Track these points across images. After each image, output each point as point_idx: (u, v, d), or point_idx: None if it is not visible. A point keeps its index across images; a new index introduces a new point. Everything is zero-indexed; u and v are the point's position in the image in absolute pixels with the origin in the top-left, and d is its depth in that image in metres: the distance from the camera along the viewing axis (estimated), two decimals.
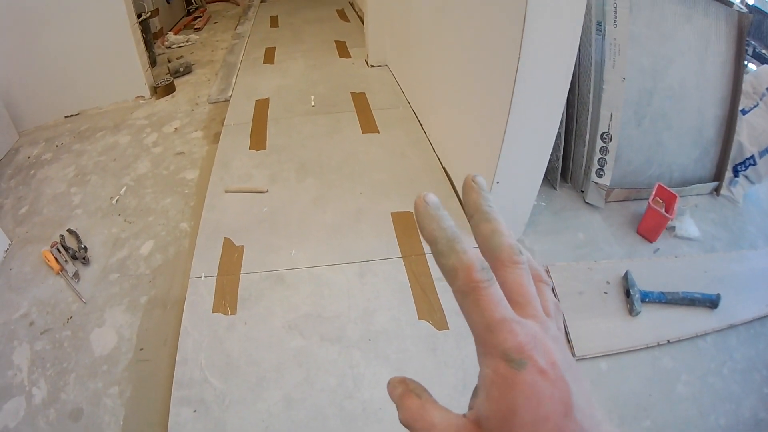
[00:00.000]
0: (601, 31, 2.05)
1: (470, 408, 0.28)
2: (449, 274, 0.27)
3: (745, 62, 2.42)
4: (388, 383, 0.31)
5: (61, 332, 1.82)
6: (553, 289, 1.51)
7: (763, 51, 3.37)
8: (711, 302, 1.79)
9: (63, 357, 1.73)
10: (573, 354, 1.66)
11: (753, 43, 3.32)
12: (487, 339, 0.26)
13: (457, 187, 2.38)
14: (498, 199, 1.91)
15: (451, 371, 1.61)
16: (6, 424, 1.54)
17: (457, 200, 2.33)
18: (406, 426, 0.29)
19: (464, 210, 0.31)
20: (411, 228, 2.17)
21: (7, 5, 2.80)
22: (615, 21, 2.00)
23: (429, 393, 0.30)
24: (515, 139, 1.72)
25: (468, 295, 0.26)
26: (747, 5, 3.11)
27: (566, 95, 1.69)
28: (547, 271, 1.94)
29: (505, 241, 0.29)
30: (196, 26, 5.14)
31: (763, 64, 2.97)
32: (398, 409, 0.29)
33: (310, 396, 1.55)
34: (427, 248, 2.04)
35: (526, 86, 1.59)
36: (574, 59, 1.58)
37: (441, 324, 1.75)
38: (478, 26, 1.88)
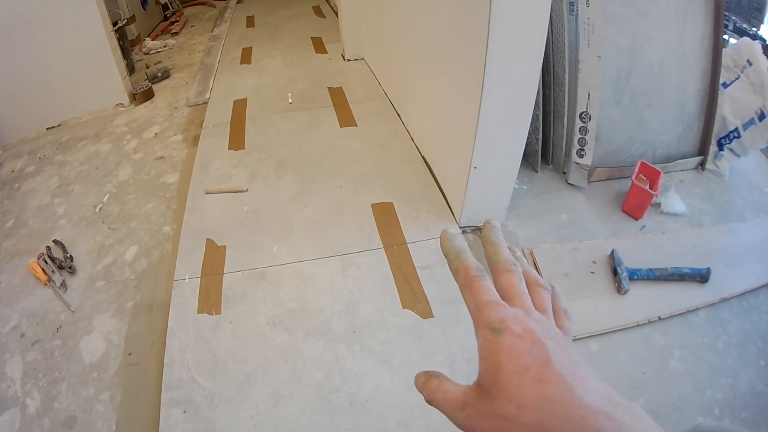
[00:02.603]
0: (573, 11, 2.03)
1: None
2: (455, 273, 0.38)
3: (726, 37, 2.41)
4: (415, 377, 0.39)
5: (51, 342, 1.82)
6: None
7: (744, 26, 3.36)
8: (701, 277, 1.78)
9: (54, 366, 1.73)
10: None
11: (733, 18, 3.31)
12: (477, 316, 0.34)
13: (436, 175, 2.38)
14: (477, 183, 1.91)
15: (438, 359, 1.61)
16: None
17: (438, 189, 2.33)
18: (430, 403, 0.37)
19: (482, 241, 0.42)
20: (391, 218, 2.17)
21: None
22: (588, 0, 1.99)
23: (445, 375, 0.37)
24: (489, 122, 1.71)
25: (465, 287, 0.36)
26: None
27: (539, 76, 1.68)
28: (535, 263, 1.94)
29: (502, 257, 0.39)
30: (173, 31, 5.11)
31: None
32: (423, 393, 0.37)
33: (297, 391, 1.55)
34: (408, 238, 2.06)
35: (496, 69, 1.57)
36: (545, 39, 1.57)
37: (425, 312, 1.75)
38: (448, 12, 1.87)
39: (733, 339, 1.66)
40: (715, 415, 1.47)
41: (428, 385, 0.37)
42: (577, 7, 2.02)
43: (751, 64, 2.35)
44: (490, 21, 1.46)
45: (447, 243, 0.40)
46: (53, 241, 2.25)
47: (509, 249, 0.41)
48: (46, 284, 2.03)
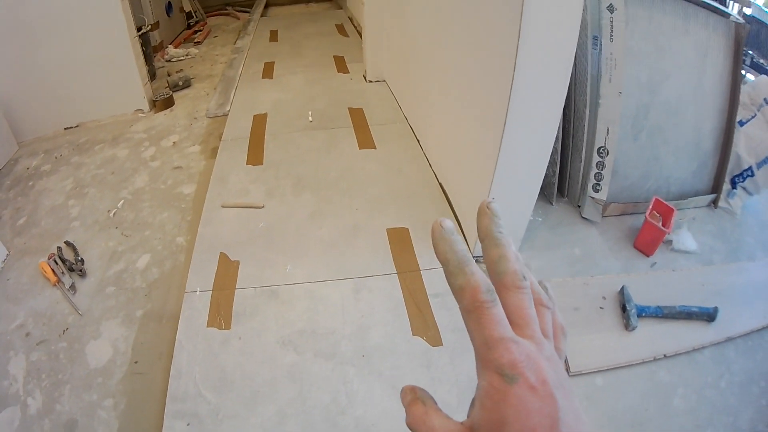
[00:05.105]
0: (597, 45, 2.05)
1: (468, 417, 0.31)
2: (457, 292, 0.31)
3: (743, 72, 2.42)
4: (401, 390, 0.34)
5: (57, 344, 1.82)
6: None
7: (761, 61, 3.37)
8: (708, 315, 1.78)
9: (58, 368, 1.73)
10: (568, 370, 1.65)
11: (750, 53, 3.32)
12: (485, 354, 0.29)
13: (453, 203, 2.38)
14: None
15: (445, 388, 1.60)
16: None
17: (454, 217, 2.33)
18: (411, 429, 0.32)
19: (478, 234, 0.34)
20: (406, 244, 2.16)
21: (7, 17, 2.83)
22: (611, 35, 2.00)
23: (434, 401, 0.33)
24: (511, 154, 1.72)
25: (472, 313, 0.30)
26: (744, 15, 3.10)
27: (562, 110, 1.70)
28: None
29: (510, 267, 0.32)
30: (196, 40, 5.14)
31: (761, 74, 2.97)
32: (406, 414, 0.33)
33: (303, 412, 1.54)
34: (422, 265, 2.05)
35: (521, 101, 1.59)
36: (570, 74, 1.58)
37: (435, 340, 1.75)
38: (474, 41, 1.89)
39: (737, 378, 1.65)
40: None
41: (413, 411, 0.32)
42: (601, 42, 2.03)
43: None
44: (518, 54, 1.48)
45: (444, 245, 0.32)
46: (65, 242, 2.26)
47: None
48: (55, 285, 2.04)
